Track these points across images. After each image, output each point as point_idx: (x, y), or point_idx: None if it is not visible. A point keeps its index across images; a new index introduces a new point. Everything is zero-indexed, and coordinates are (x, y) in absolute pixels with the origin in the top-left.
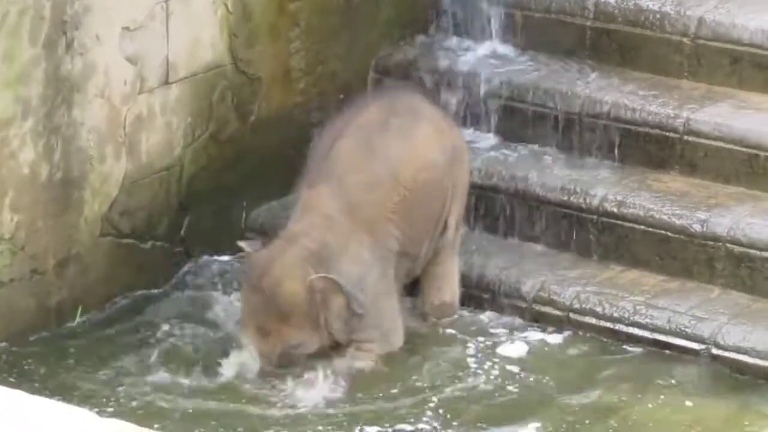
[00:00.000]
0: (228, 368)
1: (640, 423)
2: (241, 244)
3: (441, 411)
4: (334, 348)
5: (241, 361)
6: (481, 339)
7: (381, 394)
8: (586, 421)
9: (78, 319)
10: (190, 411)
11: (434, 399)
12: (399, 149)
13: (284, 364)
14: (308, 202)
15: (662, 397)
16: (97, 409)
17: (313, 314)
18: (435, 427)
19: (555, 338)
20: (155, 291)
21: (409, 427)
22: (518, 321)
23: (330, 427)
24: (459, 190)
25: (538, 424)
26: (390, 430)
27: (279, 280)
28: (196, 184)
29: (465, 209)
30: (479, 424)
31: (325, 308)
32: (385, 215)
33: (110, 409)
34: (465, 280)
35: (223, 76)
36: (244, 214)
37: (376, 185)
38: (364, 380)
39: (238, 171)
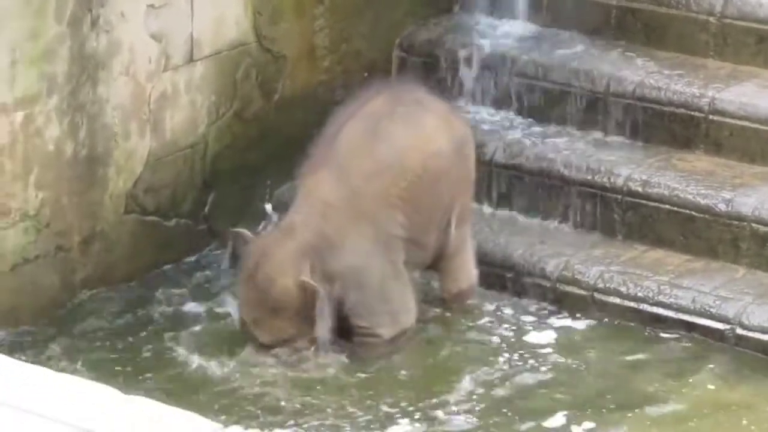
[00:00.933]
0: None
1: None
2: (237, 231)
3: (473, 395)
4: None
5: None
6: (506, 326)
7: (409, 380)
8: (616, 408)
9: (102, 296)
10: (217, 389)
11: (464, 383)
12: (406, 136)
13: (277, 351)
14: (309, 189)
15: (691, 380)
16: (122, 387)
17: (304, 311)
18: (466, 411)
19: (581, 323)
20: (179, 268)
21: (441, 413)
22: (543, 303)
23: (362, 414)
24: (467, 181)
25: (566, 412)
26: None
27: (273, 276)
28: (220, 162)
29: (488, 191)
30: (508, 410)
31: (313, 308)
32: (390, 201)
33: (135, 387)
34: (488, 260)
35: (247, 54)
36: (267, 193)
37: (381, 171)
38: (395, 364)
39: (262, 149)
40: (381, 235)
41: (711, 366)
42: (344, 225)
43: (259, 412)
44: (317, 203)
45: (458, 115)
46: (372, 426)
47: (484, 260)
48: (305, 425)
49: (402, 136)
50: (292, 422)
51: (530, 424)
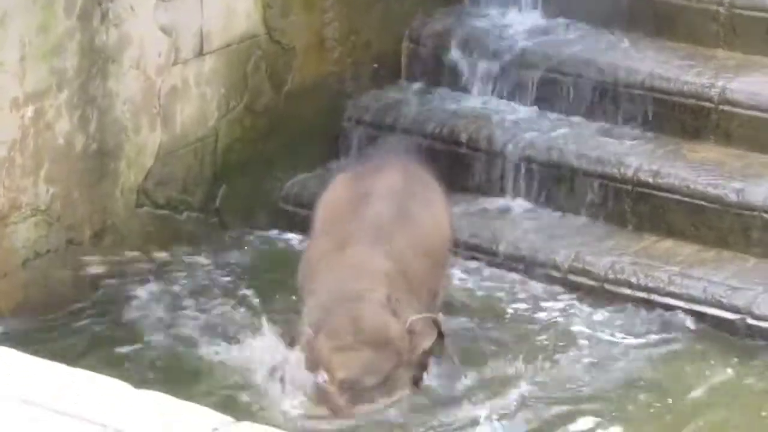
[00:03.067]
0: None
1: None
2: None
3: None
4: None
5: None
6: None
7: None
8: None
9: (113, 290)
10: (230, 383)
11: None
12: (429, 219)
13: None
14: (361, 261)
15: (708, 372)
16: (133, 381)
17: (406, 353)
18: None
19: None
20: (192, 261)
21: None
22: (555, 289)
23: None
24: (448, 258)
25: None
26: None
27: (381, 321)
28: (230, 155)
29: (500, 183)
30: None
31: (414, 350)
32: (424, 280)
33: (146, 381)
34: (499, 251)
35: (257, 47)
36: (279, 185)
37: (421, 253)
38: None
39: (273, 142)
40: (423, 309)
41: (726, 355)
42: (407, 294)
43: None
44: (378, 274)
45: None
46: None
47: (493, 251)
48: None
49: (427, 220)
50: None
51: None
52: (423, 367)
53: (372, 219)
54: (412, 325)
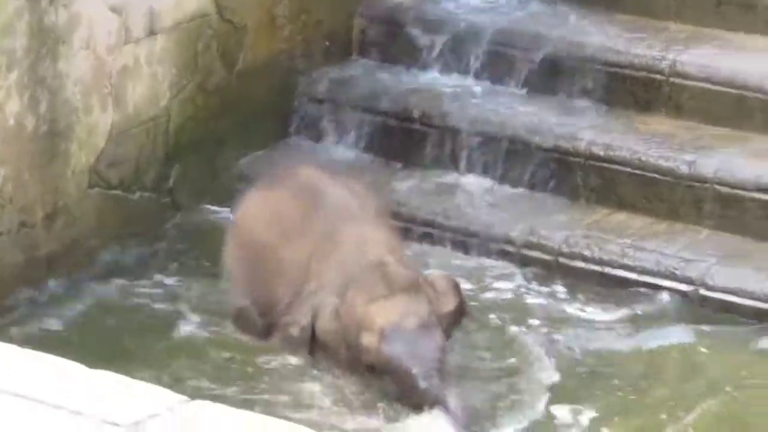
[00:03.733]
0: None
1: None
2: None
3: None
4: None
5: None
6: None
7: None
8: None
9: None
10: (189, 361)
11: None
12: (375, 200)
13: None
14: (359, 239)
15: (665, 342)
16: (88, 361)
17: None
18: None
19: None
20: (145, 241)
21: None
22: (509, 266)
23: None
24: None
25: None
26: None
27: (405, 274)
28: (183, 134)
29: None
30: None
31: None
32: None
33: (101, 360)
34: (454, 226)
35: (207, 25)
36: (231, 164)
37: (389, 226)
38: None
39: (225, 120)
40: None
41: (683, 325)
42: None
43: (231, 384)
44: (382, 244)
45: None
46: None
47: (449, 226)
48: (278, 403)
49: (375, 201)
50: (265, 396)
51: None
52: (447, 332)
53: (338, 204)
54: (434, 281)
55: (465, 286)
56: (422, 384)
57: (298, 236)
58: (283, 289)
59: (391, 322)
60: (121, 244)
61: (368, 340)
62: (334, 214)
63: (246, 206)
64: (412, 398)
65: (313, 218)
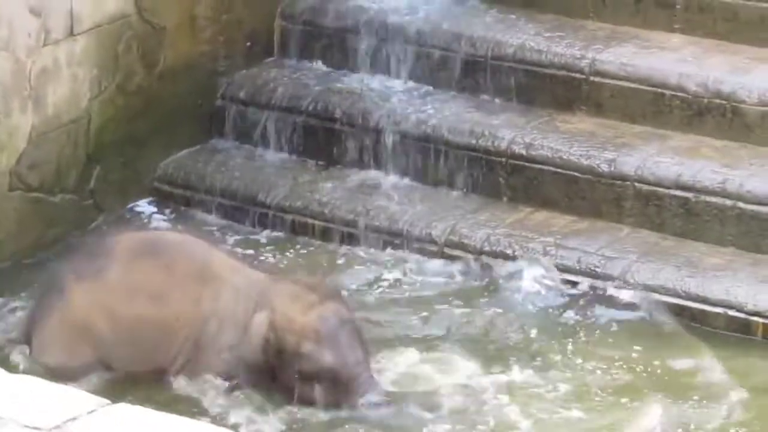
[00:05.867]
0: None
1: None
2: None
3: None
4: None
5: None
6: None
7: None
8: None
9: None
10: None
11: None
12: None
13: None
14: (245, 282)
15: (584, 338)
16: (8, 367)
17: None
18: None
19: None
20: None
21: None
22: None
23: None
24: None
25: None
26: None
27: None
28: (104, 135)
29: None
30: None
31: None
32: None
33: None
34: (376, 225)
35: (128, 27)
36: (153, 165)
37: None
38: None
39: (146, 121)
40: None
41: (602, 323)
42: None
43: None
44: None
45: None
46: None
47: (371, 226)
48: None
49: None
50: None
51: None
52: None
53: (179, 250)
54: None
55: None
56: (362, 382)
57: (168, 293)
58: (173, 347)
59: (330, 329)
60: (43, 247)
61: (309, 348)
62: (184, 259)
63: (82, 296)
64: (349, 397)
65: (167, 270)
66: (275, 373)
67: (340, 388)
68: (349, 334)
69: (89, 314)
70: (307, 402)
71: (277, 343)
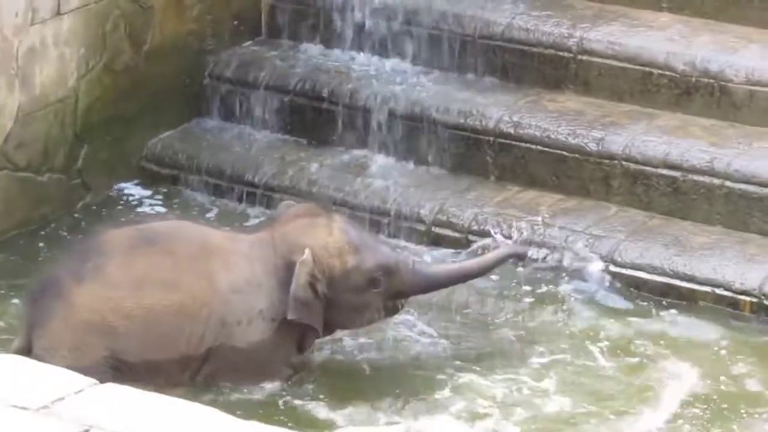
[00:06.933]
0: None
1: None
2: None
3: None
4: None
5: None
6: None
7: None
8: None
9: None
10: None
11: None
12: None
13: None
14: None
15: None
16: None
17: None
18: None
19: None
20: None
21: None
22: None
23: None
24: None
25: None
26: None
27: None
28: (91, 115)
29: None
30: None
31: None
32: None
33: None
34: (365, 205)
35: (115, 6)
36: (140, 144)
37: None
38: None
39: (134, 100)
40: None
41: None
42: None
43: None
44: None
45: None
46: None
47: (359, 205)
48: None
49: None
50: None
51: None
52: None
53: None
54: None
55: None
56: (407, 259)
57: (177, 277)
58: (197, 328)
59: (356, 236)
60: (31, 226)
61: (354, 260)
62: (181, 241)
63: (85, 297)
64: (406, 279)
65: (169, 256)
66: (328, 308)
67: (395, 277)
68: (367, 232)
69: (96, 313)
70: (376, 310)
71: (325, 273)
